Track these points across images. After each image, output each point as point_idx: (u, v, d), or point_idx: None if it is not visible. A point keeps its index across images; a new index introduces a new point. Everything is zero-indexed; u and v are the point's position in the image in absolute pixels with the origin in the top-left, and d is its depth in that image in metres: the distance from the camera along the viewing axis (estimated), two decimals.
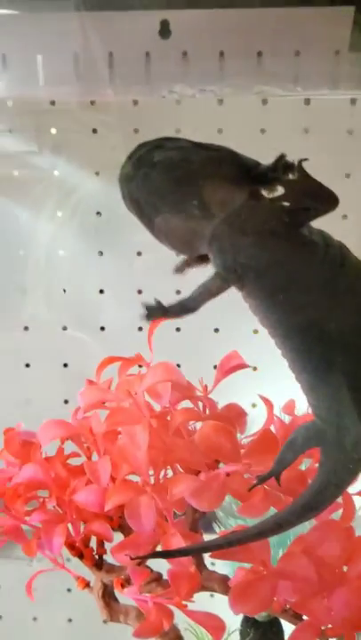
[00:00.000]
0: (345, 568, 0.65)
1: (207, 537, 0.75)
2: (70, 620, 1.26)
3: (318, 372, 0.52)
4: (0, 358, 1.19)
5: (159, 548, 0.67)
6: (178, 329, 1.08)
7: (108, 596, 0.80)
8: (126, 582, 0.77)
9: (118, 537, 0.75)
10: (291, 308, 0.50)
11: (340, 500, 0.64)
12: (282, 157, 0.49)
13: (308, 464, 0.69)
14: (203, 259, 0.54)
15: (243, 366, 0.76)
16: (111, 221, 1.12)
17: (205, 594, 0.72)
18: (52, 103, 1.06)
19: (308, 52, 0.93)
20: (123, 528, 0.77)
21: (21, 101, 1.07)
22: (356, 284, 0.50)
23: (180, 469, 0.70)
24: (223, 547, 0.62)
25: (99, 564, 0.79)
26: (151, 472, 0.67)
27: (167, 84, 1.00)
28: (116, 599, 0.81)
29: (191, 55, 0.95)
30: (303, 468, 0.68)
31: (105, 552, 0.80)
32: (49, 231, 1.14)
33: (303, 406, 0.76)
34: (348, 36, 0.93)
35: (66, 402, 1.19)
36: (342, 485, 0.59)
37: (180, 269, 0.57)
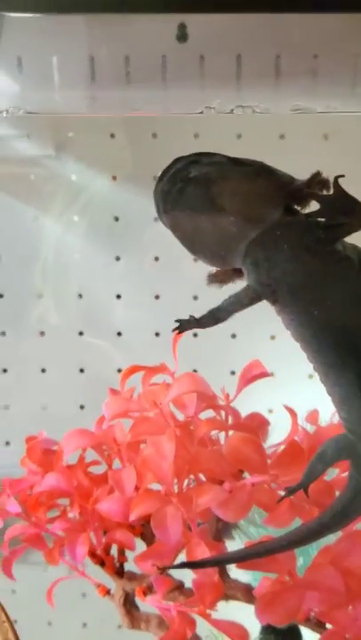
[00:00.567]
0: None
1: (226, 543, 0.75)
2: (85, 625, 1.27)
3: (351, 386, 0.51)
4: (16, 364, 1.20)
5: (181, 557, 0.67)
6: (195, 335, 1.08)
7: (129, 604, 0.80)
8: (148, 590, 0.77)
9: (139, 544, 0.75)
10: (325, 323, 0.50)
11: None
12: (318, 174, 0.49)
13: (333, 475, 0.68)
14: (237, 272, 0.54)
15: (265, 375, 0.76)
16: (128, 226, 1.12)
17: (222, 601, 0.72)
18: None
19: (327, 55, 0.93)
20: (144, 536, 0.78)
21: (38, 105, 1.07)
22: None
23: (203, 479, 0.70)
24: (252, 557, 0.62)
25: (120, 572, 0.80)
26: (175, 482, 0.67)
27: (184, 89, 1.00)
28: (136, 607, 0.81)
29: (208, 59, 0.95)
30: (328, 479, 0.68)
31: (126, 560, 0.80)
32: (65, 236, 1.14)
33: (324, 414, 0.77)
34: None
35: (82, 407, 1.19)
36: None
37: (212, 279, 0.57)
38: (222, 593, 0.71)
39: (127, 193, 1.11)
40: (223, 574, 0.76)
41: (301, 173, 0.51)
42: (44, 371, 1.20)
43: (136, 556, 0.70)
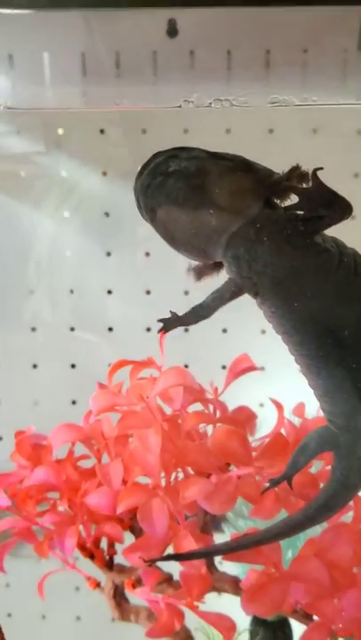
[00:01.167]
0: (355, 570, 0.66)
1: (216, 537, 0.76)
2: (79, 618, 1.27)
3: (333, 378, 0.52)
4: (8, 359, 1.20)
5: (170, 550, 0.68)
6: (186, 330, 1.08)
7: (119, 596, 0.81)
8: (137, 583, 0.77)
9: (128, 538, 0.76)
10: (306, 315, 0.50)
11: (350, 503, 0.64)
12: (296, 167, 0.49)
13: (318, 467, 0.69)
14: (217, 266, 0.54)
15: (253, 369, 0.76)
16: (119, 222, 1.12)
17: (213, 593, 0.73)
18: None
19: (317, 50, 0.93)
20: (133, 529, 0.78)
21: (29, 101, 1.06)
22: None
23: (191, 472, 0.70)
24: (238, 549, 0.62)
25: (109, 565, 0.80)
26: (162, 475, 0.67)
27: (175, 84, 0.99)
28: (126, 599, 0.82)
29: (198, 54, 0.95)
30: (314, 471, 0.69)
31: (115, 553, 0.81)
32: (56, 231, 1.14)
33: (311, 408, 0.77)
34: (357, 35, 0.92)
35: (73, 402, 1.19)
36: (355, 489, 0.59)
37: (192, 273, 0.57)
38: (210, 585, 0.72)
39: (118, 188, 1.11)
40: (211, 567, 0.76)
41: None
42: (35, 366, 1.20)
43: (124, 548, 0.70)
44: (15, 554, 1.14)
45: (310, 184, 0.49)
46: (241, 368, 0.76)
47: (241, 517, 0.83)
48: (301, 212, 0.50)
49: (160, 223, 0.52)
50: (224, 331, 1.14)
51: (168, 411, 0.71)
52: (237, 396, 0.78)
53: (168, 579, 0.77)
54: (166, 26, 0.95)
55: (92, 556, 0.80)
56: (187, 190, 0.49)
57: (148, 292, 1.15)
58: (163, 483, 0.67)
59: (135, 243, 1.13)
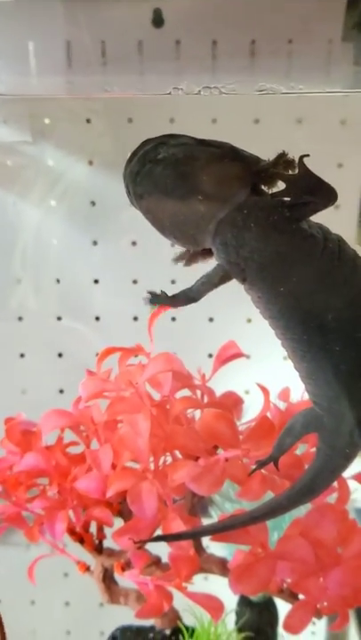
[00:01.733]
0: (340, 549, 0.68)
1: (203, 520, 0.77)
2: (68, 604, 1.29)
3: (317, 360, 0.53)
4: None
5: (159, 532, 0.69)
6: (173, 318, 1.09)
7: (108, 580, 0.82)
8: (127, 566, 0.79)
9: (117, 522, 0.77)
10: (291, 299, 0.52)
11: (334, 483, 0.66)
12: (283, 154, 0.50)
13: (303, 449, 0.70)
14: (206, 252, 0.55)
15: (239, 355, 0.77)
16: (105, 211, 1.12)
17: (200, 577, 0.74)
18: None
19: (302, 40, 0.93)
20: (122, 513, 0.79)
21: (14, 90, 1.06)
22: (353, 275, 0.51)
23: (179, 456, 0.72)
24: (225, 530, 0.64)
25: (99, 549, 0.82)
26: (151, 459, 0.68)
27: (160, 74, 1.00)
28: (115, 582, 0.83)
29: (184, 43, 0.95)
30: (299, 453, 0.70)
31: (105, 537, 0.82)
32: (43, 221, 1.14)
33: (297, 393, 0.79)
34: (341, 26, 0.93)
35: (61, 391, 1.20)
36: (339, 470, 0.61)
37: (180, 259, 0.58)
38: (198, 567, 0.73)
39: (104, 178, 1.11)
40: (199, 549, 0.78)
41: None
42: (22, 355, 1.20)
43: (114, 532, 0.72)
44: (4, 542, 1.15)
45: (296, 171, 0.50)
46: (228, 355, 0.77)
47: (228, 500, 0.84)
48: (288, 199, 0.51)
49: (149, 210, 0.52)
50: (210, 319, 1.15)
51: (156, 397, 0.72)
52: (223, 383, 0.79)
53: (157, 561, 0.79)
54: (152, 15, 0.96)
55: (81, 541, 0.81)
56: (175, 177, 0.50)
57: (134, 282, 1.15)
58: (151, 466, 0.68)
59: (122, 232, 1.13)
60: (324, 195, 0.50)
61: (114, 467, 0.70)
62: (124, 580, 0.79)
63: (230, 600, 0.87)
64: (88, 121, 1.08)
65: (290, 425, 0.61)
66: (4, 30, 0.96)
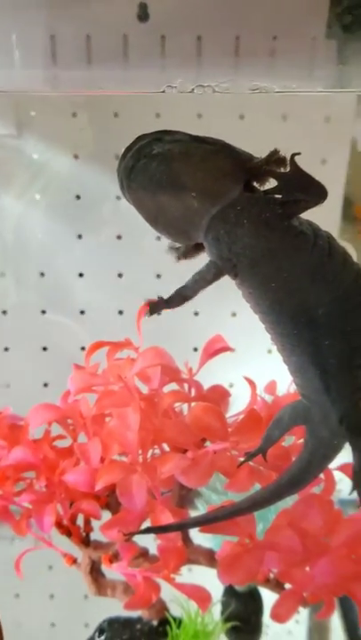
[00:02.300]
0: (326, 539, 0.69)
1: (190, 512, 0.78)
2: (52, 596, 1.29)
3: (306, 355, 0.54)
4: None
5: (146, 525, 0.70)
6: (158, 313, 1.09)
7: (95, 572, 0.83)
8: (114, 558, 0.79)
9: (104, 515, 0.78)
10: (282, 294, 0.53)
11: (321, 475, 0.67)
12: (275, 152, 0.51)
13: (290, 442, 0.72)
14: (198, 248, 0.56)
15: (226, 349, 0.78)
16: (90, 205, 1.12)
17: (184, 568, 0.75)
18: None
19: (286, 37, 0.94)
20: (110, 506, 0.80)
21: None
22: (342, 271, 0.52)
23: (167, 449, 0.73)
24: (214, 521, 0.65)
25: (86, 542, 0.82)
26: (139, 452, 0.69)
27: (146, 69, 1.00)
28: (102, 574, 0.84)
29: (169, 39, 0.95)
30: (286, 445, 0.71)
31: (92, 530, 0.82)
32: (27, 214, 1.14)
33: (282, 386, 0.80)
34: (325, 23, 0.94)
35: (45, 385, 1.20)
36: (326, 461, 0.62)
37: (175, 253, 0.58)
38: (186, 558, 0.74)
39: (89, 172, 1.11)
40: (186, 540, 0.79)
41: (260, 153, 0.53)
42: (7, 349, 1.20)
43: (102, 524, 0.72)
44: None
45: (288, 169, 0.50)
46: (215, 348, 0.78)
47: (215, 492, 0.85)
48: (279, 196, 0.52)
49: (142, 205, 0.53)
50: (196, 314, 1.16)
51: (144, 390, 0.73)
52: (207, 377, 0.80)
53: (144, 553, 0.80)
54: (137, 10, 0.96)
55: (68, 534, 0.81)
56: (170, 173, 0.50)
57: (119, 275, 1.15)
58: (140, 459, 0.69)
59: (106, 226, 1.13)
60: (314, 192, 0.51)
61: (102, 460, 0.71)
62: (112, 572, 0.79)
63: (215, 591, 0.88)
64: (74, 115, 1.08)
65: (278, 417, 0.62)
66: None
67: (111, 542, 0.79)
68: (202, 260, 0.58)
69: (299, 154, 0.50)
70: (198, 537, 0.81)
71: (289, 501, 0.69)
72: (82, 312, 1.18)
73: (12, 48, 0.96)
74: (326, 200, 0.52)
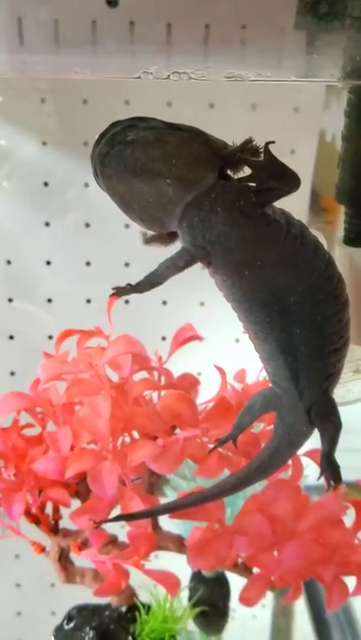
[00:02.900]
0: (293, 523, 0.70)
1: (159, 499, 0.79)
2: (19, 585, 1.28)
3: (277, 342, 0.55)
4: None
5: (116, 511, 0.70)
6: (127, 302, 1.09)
7: (64, 560, 0.83)
8: (83, 545, 0.79)
9: (73, 503, 0.78)
10: (255, 283, 0.53)
11: (289, 461, 0.69)
12: (249, 140, 0.51)
13: (260, 428, 0.73)
14: (172, 235, 0.56)
15: (196, 338, 0.79)
16: (58, 192, 1.11)
17: (151, 555, 0.76)
18: None
19: (255, 26, 0.94)
20: (79, 494, 0.80)
21: None
22: (314, 260, 0.53)
23: (137, 436, 0.73)
24: (184, 507, 0.65)
25: (55, 530, 0.82)
26: (110, 440, 0.69)
27: (114, 55, 0.99)
28: (71, 562, 0.84)
29: (138, 25, 0.95)
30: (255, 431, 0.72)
31: (60, 517, 0.82)
32: None
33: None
34: (294, 13, 0.94)
35: (12, 374, 1.18)
36: (295, 447, 0.63)
37: (147, 240, 0.58)
38: (155, 544, 0.75)
39: (57, 158, 1.10)
40: (156, 527, 0.80)
41: (230, 142, 0.53)
42: None
43: (72, 512, 0.72)
44: None
45: (262, 157, 0.51)
46: (185, 337, 0.79)
47: (183, 479, 0.86)
48: (253, 184, 0.52)
49: (116, 192, 0.52)
50: (164, 303, 1.16)
51: (114, 379, 0.73)
52: (176, 365, 0.81)
53: (113, 540, 0.80)
54: None
55: (37, 522, 0.81)
56: (144, 160, 0.50)
57: (87, 264, 1.14)
58: (110, 447, 0.69)
59: (75, 213, 1.12)
60: (288, 181, 0.51)
61: (72, 448, 0.71)
62: (80, 559, 0.80)
63: (181, 576, 0.89)
64: (42, 101, 1.07)
65: (249, 404, 0.63)
66: None
67: (80, 530, 0.79)
68: (171, 249, 0.58)
69: (273, 142, 0.50)
70: (167, 523, 0.82)
71: (258, 487, 0.70)
72: (49, 300, 1.17)
73: None
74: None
